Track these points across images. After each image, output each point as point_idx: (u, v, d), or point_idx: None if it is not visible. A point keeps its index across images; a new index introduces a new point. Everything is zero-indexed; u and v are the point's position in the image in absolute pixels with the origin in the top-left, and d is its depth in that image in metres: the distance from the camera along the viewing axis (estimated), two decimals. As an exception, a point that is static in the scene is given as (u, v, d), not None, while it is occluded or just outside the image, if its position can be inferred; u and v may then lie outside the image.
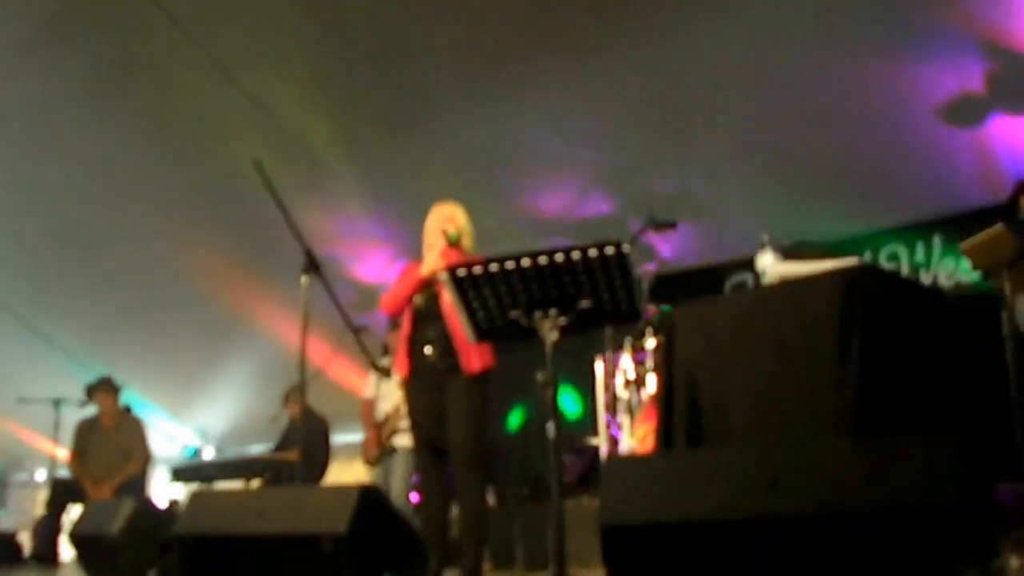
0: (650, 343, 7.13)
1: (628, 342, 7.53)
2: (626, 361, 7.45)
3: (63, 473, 9.15)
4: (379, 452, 7.39)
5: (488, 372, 5.20)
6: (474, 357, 5.10)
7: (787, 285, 3.76)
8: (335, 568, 3.38)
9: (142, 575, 5.44)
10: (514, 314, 3.49)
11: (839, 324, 3.36)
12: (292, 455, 8.23)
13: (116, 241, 9.92)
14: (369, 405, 7.65)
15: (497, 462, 8.97)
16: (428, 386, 5.24)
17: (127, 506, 5.57)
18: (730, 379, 3.67)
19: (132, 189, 9.14)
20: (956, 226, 7.37)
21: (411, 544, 3.72)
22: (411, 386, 5.36)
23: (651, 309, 7.03)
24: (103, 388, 8.69)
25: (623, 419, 7.48)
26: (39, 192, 9.44)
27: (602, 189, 8.15)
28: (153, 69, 7.80)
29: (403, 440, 7.08)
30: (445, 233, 5.27)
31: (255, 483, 8.12)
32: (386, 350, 7.67)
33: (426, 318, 5.24)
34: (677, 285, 8.39)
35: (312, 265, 4.88)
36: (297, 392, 8.54)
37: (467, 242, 5.37)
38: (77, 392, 9.07)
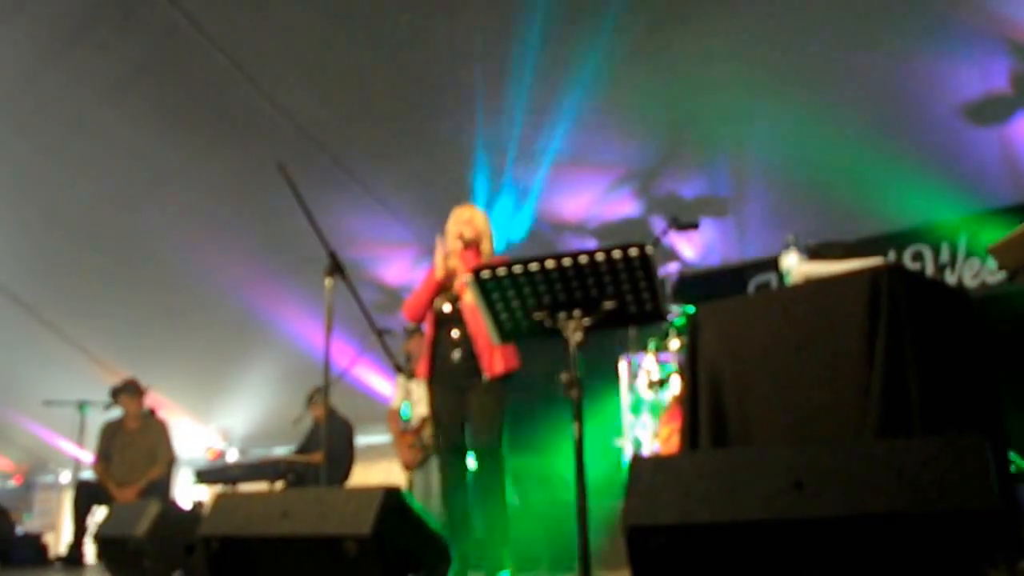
0: (673, 344, 7.12)
1: (652, 343, 7.52)
2: (649, 362, 7.44)
3: (88, 475, 9.19)
4: (422, 456, 7.40)
5: (511, 374, 5.21)
6: (496, 359, 5.11)
7: (812, 285, 3.74)
8: (359, 570, 3.38)
9: (167, 577, 5.47)
10: (538, 315, 3.49)
11: (864, 324, 3.34)
12: (316, 457, 8.25)
13: (141, 246, 9.97)
14: (395, 414, 7.67)
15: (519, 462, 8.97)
16: (451, 388, 5.25)
17: (152, 508, 5.59)
18: (755, 379, 3.65)
19: (156, 194, 9.18)
20: (981, 226, 7.33)
21: (435, 546, 3.71)
22: (434, 388, 5.38)
23: (674, 310, 7.02)
24: (128, 391, 8.73)
25: (646, 420, 7.47)
26: (64, 198, 9.50)
27: (625, 190, 8.13)
28: (177, 73, 7.83)
29: None
30: (461, 236, 5.29)
31: (279, 485, 8.14)
32: (408, 358, 7.69)
33: (449, 321, 5.25)
34: (700, 286, 8.36)
35: (336, 267, 4.88)
36: (321, 394, 8.57)
37: (487, 245, 5.38)
38: (102, 395, 9.12)
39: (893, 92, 6.63)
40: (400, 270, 9.52)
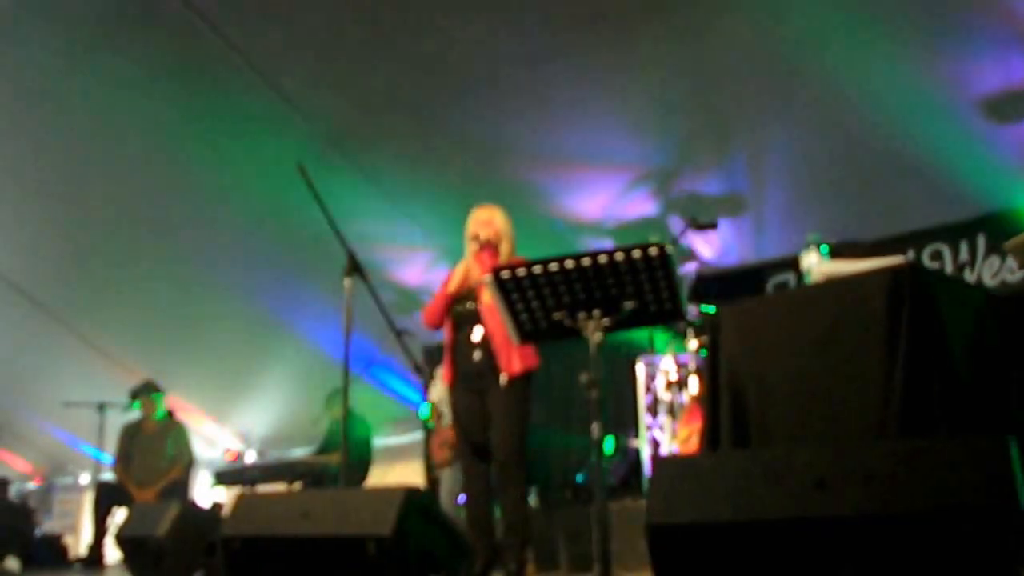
0: (692, 344, 7.11)
1: (670, 343, 7.52)
2: (668, 363, 7.43)
3: (108, 477, 9.23)
4: (452, 456, 7.39)
5: (530, 373, 5.21)
6: (515, 359, 5.12)
7: (832, 284, 3.73)
8: (380, 570, 3.39)
9: (188, 577, 5.49)
10: (557, 315, 3.49)
11: (886, 323, 3.33)
12: (334, 458, 8.26)
13: (159, 246, 9.99)
14: (436, 410, 7.65)
15: (538, 463, 8.98)
16: (471, 389, 5.27)
17: (173, 509, 5.62)
18: (775, 379, 3.64)
19: (176, 195, 9.20)
20: (1000, 224, 7.30)
21: (456, 546, 3.72)
22: (455, 389, 5.39)
23: (693, 310, 7.01)
24: (147, 392, 8.77)
25: (664, 421, 7.46)
26: (82, 200, 9.52)
27: (643, 189, 8.12)
28: (197, 76, 7.84)
29: None
30: (478, 237, 5.30)
31: (297, 486, 8.16)
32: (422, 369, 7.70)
33: (469, 322, 5.26)
34: (718, 286, 8.35)
35: (355, 268, 4.89)
36: (339, 395, 8.59)
37: (507, 245, 5.39)
38: (121, 396, 9.16)
39: (912, 89, 6.59)
40: (417, 271, 9.53)
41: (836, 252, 3.95)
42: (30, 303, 11.14)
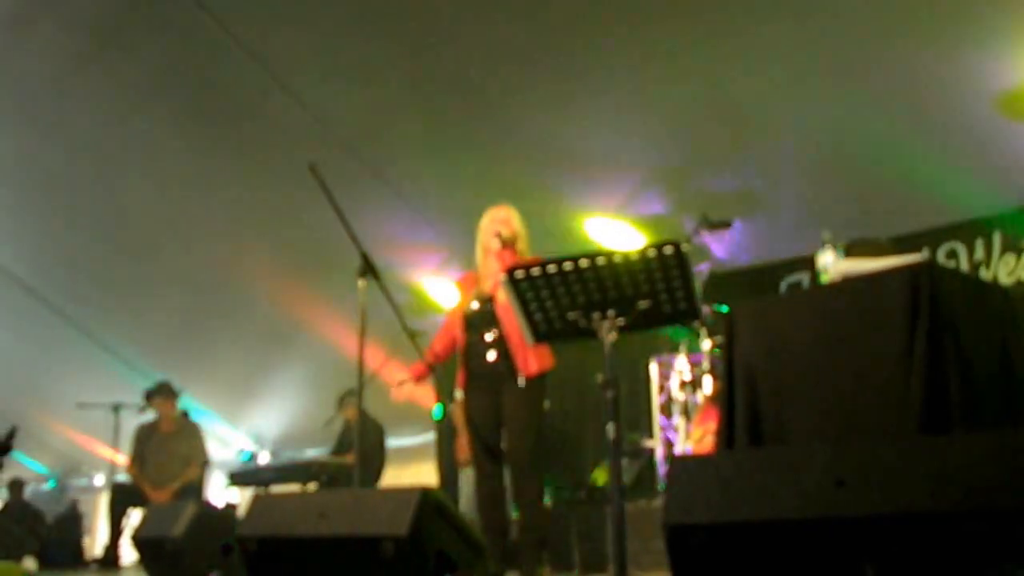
0: (705, 344, 7.09)
1: (684, 343, 7.50)
2: (681, 362, 7.41)
3: (122, 478, 9.24)
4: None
5: (545, 374, 5.20)
6: (531, 359, 5.11)
7: (849, 282, 3.72)
8: (396, 570, 3.38)
9: (204, 577, 5.50)
10: (572, 315, 3.48)
11: (904, 321, 3.31)
12: (348, 459, 8.27)
13: (173, 248, 10.02)
14: (460, 407, 7.62)
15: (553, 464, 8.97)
16: (486, 389, 5.25)
17: (189, 509, 5.62)
18: (792, 378, 3.63)
19: (188, 196, 9.23)
20: (1016, 222, 7.27)
21: (472, 546, 3.71)
22: (468, 389, 5.38)
23: (706, 309, 6.99)
24: (161, 393, 8.77)
25: (678, 421, 7.44)
26: (94, 202, 9.56)
27: (656, 188, 8.10)
28: (207, 76, 7.86)
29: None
30: (499, 235, 5.28)
31: (311, 487, 8.16)
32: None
33: (481, 323, 5.25)
34: (731, 285, 8.33)
35: (368, 268, 4.88)
36: (352, 396, 8.59)
37: (522, 245, 5.37)
38: (136, 397, 9.17)
39: (927, 86, 6.56)
40: (430, 272, 9.53)
41: (852, 250, 3.94)
42: (45, 306, 11.19)
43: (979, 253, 7.54)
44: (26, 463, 15.41)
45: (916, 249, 6.54)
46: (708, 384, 6.93)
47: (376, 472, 8.79)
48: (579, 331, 3.50)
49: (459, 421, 7.19)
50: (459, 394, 7.01)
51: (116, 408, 9.57)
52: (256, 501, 4.05)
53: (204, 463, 8.76)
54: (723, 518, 2.72)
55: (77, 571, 9.33)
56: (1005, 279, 7.35)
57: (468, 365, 5.36)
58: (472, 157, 8.08)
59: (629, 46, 6.83)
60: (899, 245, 4.30)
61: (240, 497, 9.94)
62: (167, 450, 8.58)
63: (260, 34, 7.43)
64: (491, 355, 5.20)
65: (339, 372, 9.31)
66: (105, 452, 11.55)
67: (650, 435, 7.97)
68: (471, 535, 3.75)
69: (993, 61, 6.27)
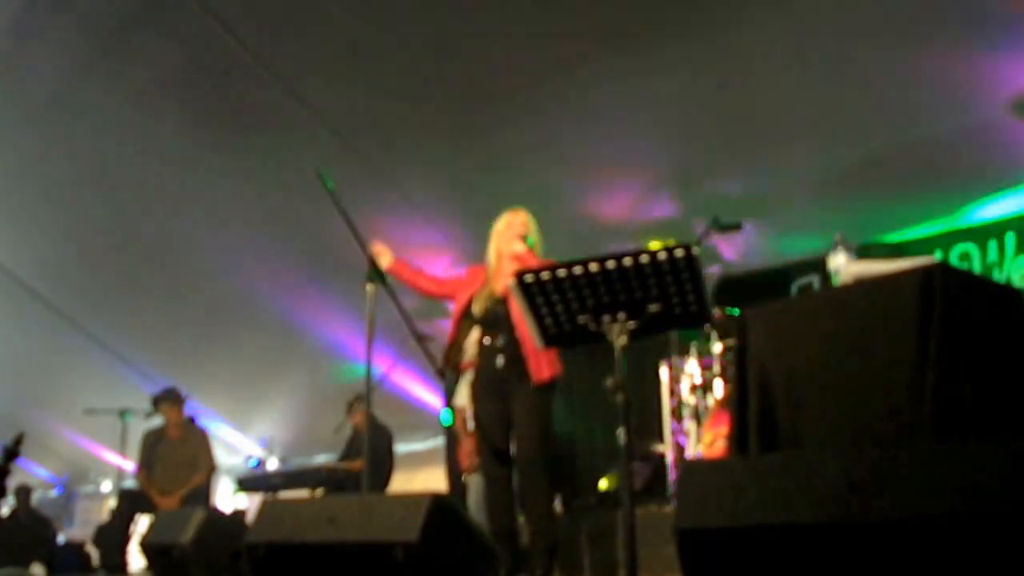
0: (716, 347, 7.07)
1: (694, 347, 7.47)
2: (692, 366, 7.38)
3: (130, 484, 9.24)
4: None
5: (555, 380, 5.19)
6: (543, 365, 5.10)
7: (862, 285, 3.69)
8: (406, 577, 3.37)
9: (213, 584, 5.48)
10: (582, 319, 3.46)
11: (917, 324, 3.29)
12: (356, 465, 8.26)
13: (179, 253, 10.01)
14: (461, 414, 7.61)
15: (563, 469, 8.95)
16: (495, 393, 5.23)
17: (198, 515, 5.61)
18: (805, 382, 3.60)
19: (194, 201, 9.21)
20: (1030, 225, 7.26)
21: (483, 552, 3.69)
22: (477, 394, 5.36)
23: (717, 313, 6.96)
24: (169, 399, 8.77)
25: (689, 425, 7.41)
26: (101, 206, 9.55)
27: (665, 191, 8.08)
28: (213, 80, 7.85)
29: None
30: (523, 238, 5.26)
31: (319, 493, 8.15)
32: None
33: (492, 326, 5.23)
34: (742, 288, 8.30)
35: (376, 273, 4.87)
36: (361, 401, 8.58)
37: (537, 249, 5.36)
38: (143, 403, 9.17)
39: (941, 88, 6.54)
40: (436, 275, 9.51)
41: (865, 253, 3.92)
42: (51, 311, 11.19)
43: (992, 255, 7.50)
44: (32, 469, 15.41)
45: (928, 251, 6.54)
46: (719, 388, 6.90)
47: (385, 478, 8.77)
48: (589, 334, 3.48)
49: (460, 428, 7.19)
50: (460, 401, 7.00)
51: (123, 414, 9.58)
52: (265, 507, 4.04)
53: (212, 469, 8.75)
54: (735, 523, 2.69)
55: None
56: (1019, 281, 7.31)
57: (475, 369, 5.34)
58: (481, 161, 8.07)
59: (639, 50, 6.81)
60: (911, 248, 4.29)
61: (248, 503, 9.95)
62: (175, 456, 8.58)
63: (268, 39, 7.42)
64: (500, 360, 5.18)
65: (348, 377, 9.32)
66: (112, 458, 11.55)
67: (660, 440, 7.94)
68: (482, 541, 3.73)
69: (1007, 63, 6.24)
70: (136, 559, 7.82)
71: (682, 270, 3.32)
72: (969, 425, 3.17)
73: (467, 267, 5.73)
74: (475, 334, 5.33)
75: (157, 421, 8.91)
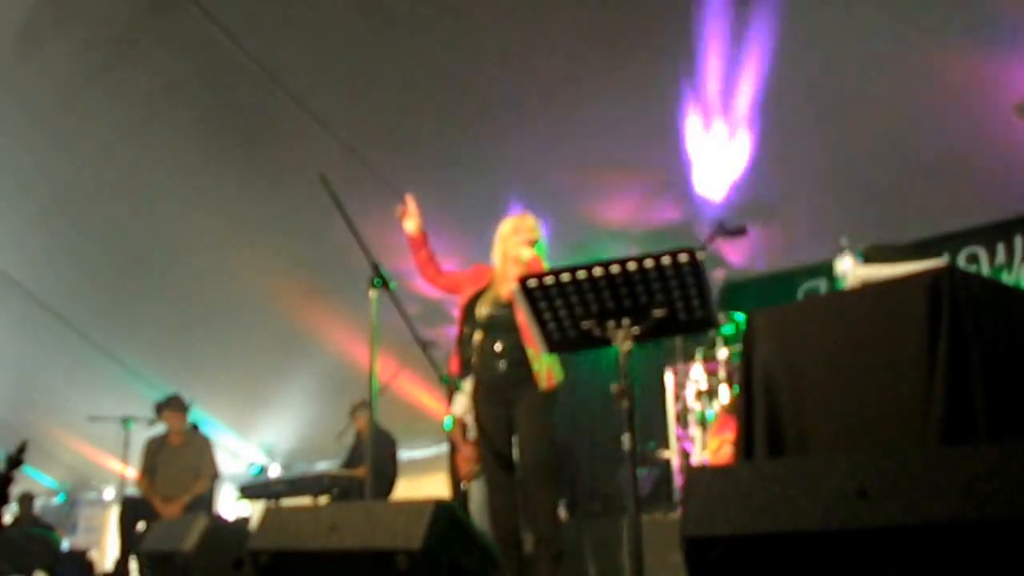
0: (721, 353, 7.05)
1: (699, 352, 7.45)
2: (697, 372, 7.36)
3: (132, 491, 9.21)
4: (478, 468, 7.29)
5: (559, 386, 5.16)
6: (549, 371, 5.07)
7: (869, 288, 3.67)
8: (410, 584, 3.34)
9: (215, 592, 5.45)
10: (586, 324, 3.43)
11: (925, 327, 3.26)
12: (360, 472, 8.23)
13: (182, 261, 10.00)
14: (459, 423, 7.58)
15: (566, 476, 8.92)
16: (496, 399, 5.21)
17: (200, 523, 5.57)
18: (812, 387, 3.58)
19: (198, 208, 9.21)
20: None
21: (487, 560, 3.66)
22: (478, 399, 5.33)
23: (722, 317, 6.94)
24: (171, 406, 8.75)
25: (694, 431, 7.39)
26: (104, 214, 9.55)
27: (668, 195, 8.06)
28: (217, 88, 7.85)
29: None
30: (532, 244, 5.25)
31: (323, 500, 8.12)
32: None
33: (493, 330, 5.20)
34: (748, 292, 8.28)
35: (380, 279, 4.84)
36: (364, 408, 8.56)
37: (543, 255, 5.34)
38: (145, 410, 9.15)
39: (945, 90, 6.52)
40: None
41: (871, 256, 3.89)
42: (54, 318, 11.19)
43: (1000, 257, 7.47)
44: (36, 477, 15.40)
45: (936, 254, 6.48)
46: (724, 394, 6.89)
47: (388, 484, 8.75)
48: (593, 340, 3.45)
49: (457, 436, 7.16)
50: (458, 409, 6.98)
51: (126, 421, 9.56)
52: (267, 515, 4.01)
53: (214, 476, 8.73)
54: (742, 530, 2.67)
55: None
56: (1028, 283, 7.29)
57: (478, 374, 5.31)
58: (484, 165, 8.04)
59: (638, 51, 6.80)
60: (918, 250, 4.26)
61: (251, 510, 9.93)
62: (177, 463, 8.56)
63: (270, 46, 7.43)
64: (502, 365, 5.15)
65: (351, 383, 9.28)
66: (115, 465, 11.53)
67: (666, 446, 7.92)
68: (486, 548, 3.70)
69: (1015, 67, 6.22)
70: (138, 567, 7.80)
71: (687, 275, 3.28)
72: (980, 429, 3.14)
73: (474, 266, 5.69)
74: (478, 337, 5.29)
75: (160, 428, 8.89)
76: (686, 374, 7.61)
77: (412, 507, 3.48)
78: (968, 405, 3.17)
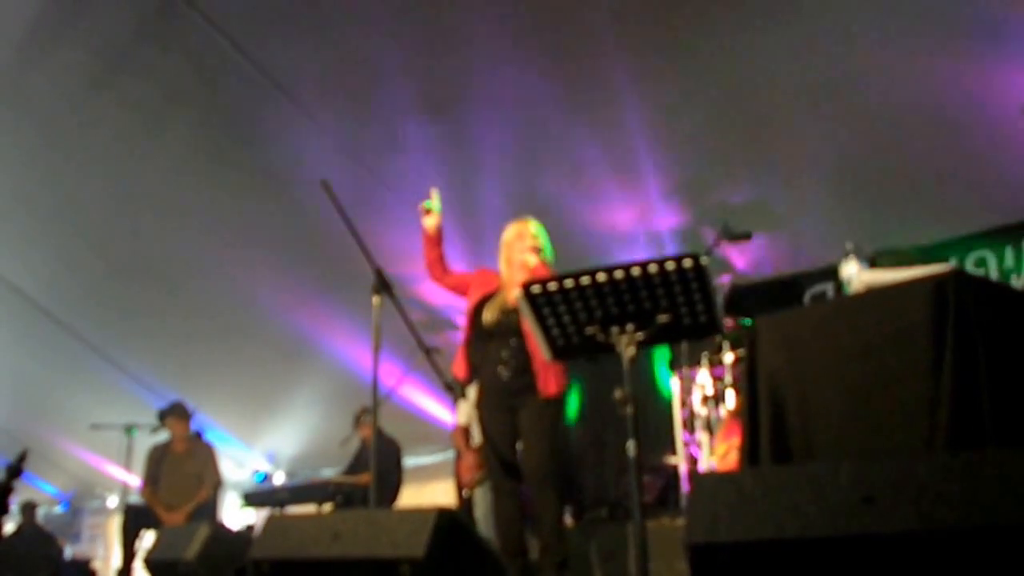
0: (728, 357, 7.02)
1: (705, 357, 7.42)
2: (703, 376, 7.34)
3: (135, 499, 9.20)
4: (481, 475, 7.27)
5: (564, 393, 5.14)
6: (551, 378, 5.05)
7: (874, 293, 3.65)
8: (413, 593, 3.31)
9: (218, 601, 5.43)
10: (590, 330, 3.41)
11: (931, 332, 3.25)
12: (364, 479, 8.21)
13: (185, 268, 10.00)
14: (463, 431, 7.56)
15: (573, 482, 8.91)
16: (500, 405, 5.18)
17: (202, 531, 5.56)
18: (817, 392, 3.56)
19: (199, 215, 9.20)
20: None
21: (491, 568, 3.64)
22: (483, 406, 5.31)
23: (728, 322, 6.92)
24: (175, 414, 8.73)
25: (701, 436, 7.37)
26: (107, 221, 9.55)
27: (674, 200, 8.04)
28: (218, 96, 7.85)
29: None
30: (538, 251, 5.22)
31: (327, 507, 8.10)
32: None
33: (499, 336, 5.18)
34: (754, 297, 8.26)
35: (383, 285, 4.82)
36: (368, 414, 8.53)
37: (548, 258, 5.32)
38: (149, 418, 9.13)
39: (951, 95, 6.50)
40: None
41: (877, 260, 3.88)
42: (56, 326, 11.18)
43: (1008, 260, 7.43)
44: (39, 485, 15.40)
45: (943, 258, 6.46)
46: (731, 398, 6.86)
47: (393, 492, 8.72)
48: (597, 346, 3.43)
49: (460, 444, 7.14)
50: (462, 418, 6.95)
51: (129, 429, 9.53)
52: (269, 523, 4.00)
53: (217, 484, 8.71)
54: (747, 537, 2.65)
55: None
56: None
57: (483, 379, 5.29)
58: (489, 168, 8.03)
59: (643, 57, 6.78)
60: (926, 254, 4.25)
61: (256, 518, 9.91)
62: (180, 471, 8.54)
63: (273, 53, 7.42)
64: (504, 371, 5.13)
65: (355, 390, 9.27)
66: (118, 473, 11.51)
67: (673, 451, 7.89)
68: (490, 556, 3.68)
69: (1018, 67, 6.20)
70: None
71: (691, 280, 3.26)
72: (986, 434, 3.12)
73: (480, 270, 5.67)
74: (483, 342, 5.27)
75: (163, 436, 8.88)
76: (692, 379, 7.59)
77: (415, 515, 3.46)
78: (975, 410, 3.15)
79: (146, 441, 9.07)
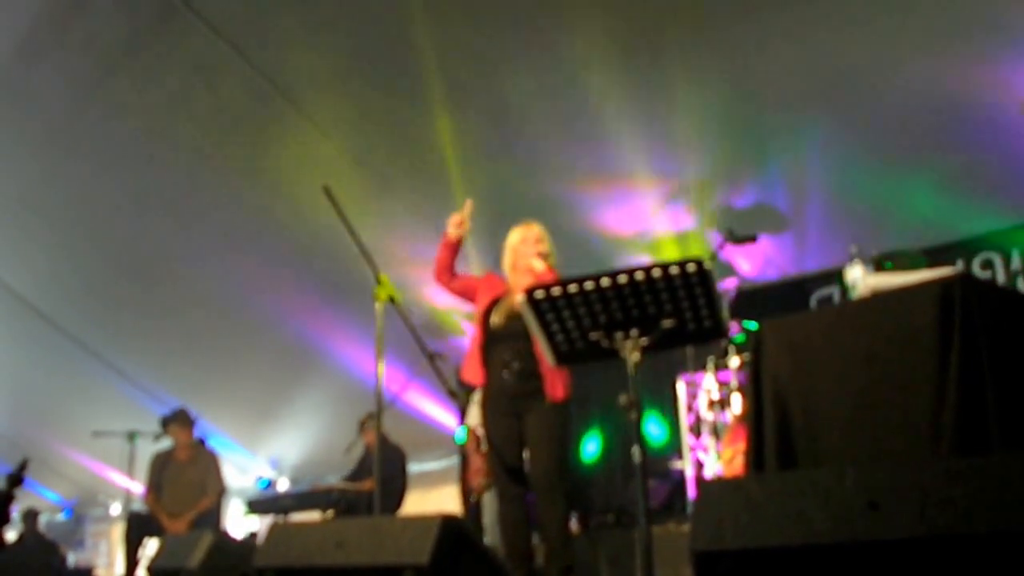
0: (734, 362, 7.01)
1: (711, 361, 7.41)
2: (709, 381, 7.33)
3: (138, 507, 9.18)
4: (488, 481, 7.25)
5: (569, 398, 5.12)
6: (558, 383, 5.03)
7: (879, 297, 3.63)
8: (417, 600, 3.30)
9: (222, 608, 5.41)
10: (594, 335, 3.39)
11: (937, 336, 3.22)
12: (368, 485, 8.19)
13: (187, 274, 9.99)
14: (474, 433, 7.54)
15: (579, 489, 8.89)
16: (507, 410, 5.16)
17: (206, 539, 5.54)
18: (823, 397, 3.54)
19: (202, 220, 9.20)
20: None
21: (495, 574, 3.62)
22: (488, 410, 5.29)
23: (734, 326, 6.91)
24: (178, 421, 8.72)
25: (708, 441, 7.35)
26: (109, 227, 9.55)
27: (679, 204, 8.03)
28: (216, 98, 7.84)
29: None
30: (543, 255, 5.21)
31: (331, 515, 8.08)
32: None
33: (502, 339, 5.17)
34: (759, 301, 8.24)
35: (385, 291, 4.81)
36: (372, 421, 8.51)
37: (553, 263, 5.30)
38: (151, 425, 9.12)
39: (956, 96, 6.49)
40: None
41: (883, 264, 3.85)
42: (59, 332, 11.18)
43: (1016, 263, 7.41)
44: (41, 492, 15.40)
45: (950, 261, 6.43)
46: (737, 403, 6.85)
47: (397, 498, 8.70)
48: (602, 351, 3.41)
49: (471, 447, 7.11)
50: (472, 420, 6.91)
51: (132, 436, 9.51)
52: (273, 530, 3.99)
53: (221, 491, 8.69)
54: (752, 543, 2.63)
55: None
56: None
57: (489, 384, 5.26)
58: (493, 172, 8.02)
59: (651, 61, 6.78)
60: (932, 257, 4.23)
61: (259, 525, 9.89)
62: (183, 478, 8.53)
63: (274, 57, 7.41)
64: (512, 375, 5.11)
65: (359, 396, 9.25)
66: (121, 481, 11.50)
67: (680, 456, 7.87)
68: (495, 563, 3.66)
69: (1021, 71, 6.19)
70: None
71: (695, 285, 3.24)
72: (992, 439, 3.10)
73: (487, 274, 5.66)
74: (490, 347, 5.25)
75: (166, 443, 8.86)
76: (697, 384, 7.58)
77: (419, 522, 3.45)
78: (981, 415, 3.13)
79: (149, 448, 9.05)
